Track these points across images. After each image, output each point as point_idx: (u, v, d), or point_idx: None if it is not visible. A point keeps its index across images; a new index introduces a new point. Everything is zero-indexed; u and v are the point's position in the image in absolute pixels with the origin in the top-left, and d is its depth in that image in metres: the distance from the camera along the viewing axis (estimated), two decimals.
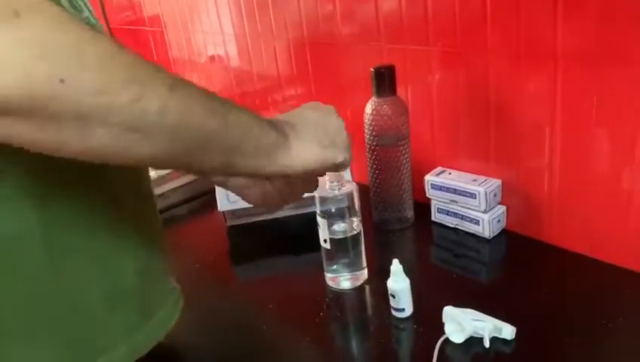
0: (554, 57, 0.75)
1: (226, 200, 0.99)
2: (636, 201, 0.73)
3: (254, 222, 1.03)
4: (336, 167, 0.56)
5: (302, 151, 0.52)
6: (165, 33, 1.62)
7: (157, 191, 1.13)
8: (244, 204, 0.96)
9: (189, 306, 0.82)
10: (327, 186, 0.77)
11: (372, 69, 0.87)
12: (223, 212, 1.01)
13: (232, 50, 1.39)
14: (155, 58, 1.70)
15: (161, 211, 1.12)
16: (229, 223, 1.03)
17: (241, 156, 0.47)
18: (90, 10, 0.55)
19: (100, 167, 0.50)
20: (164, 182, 1.14)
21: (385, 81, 0.87)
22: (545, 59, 0.76)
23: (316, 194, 0.77)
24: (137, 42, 1.74)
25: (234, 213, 1.02)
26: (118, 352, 0.54)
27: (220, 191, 1.00)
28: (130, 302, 0.56)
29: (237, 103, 0.48)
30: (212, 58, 1.48)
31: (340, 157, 0.55)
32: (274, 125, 0.51)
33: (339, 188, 0.76)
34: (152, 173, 1.14)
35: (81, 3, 0.54)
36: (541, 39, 0.75)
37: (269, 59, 1.26)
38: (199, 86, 0.45)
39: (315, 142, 0.53)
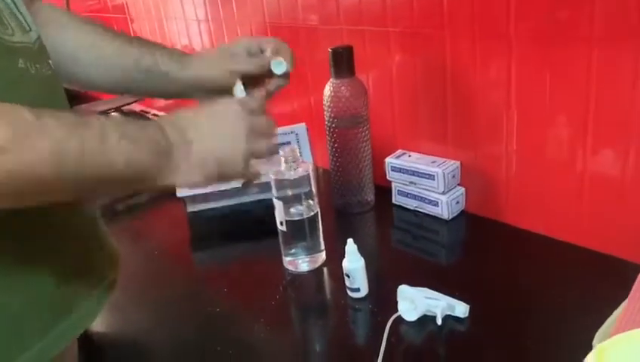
0: (507, 37, 0.75)
1: None
2: (588, 182, 0.74)
3: (215, 208, 1.01)
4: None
5: (184, 177, 0.52)
6: (129, 21, 1.60)
7: None
8: (203, 190, 0.96)
9: (145, 292, 0.81)
10: (282, 168, 0.76)
11: (330, 50, 0.86)
12: (183, 198, 1.00)
13: (195, 35, 1.37)
14: None
15: (122, 199, 1.11)
16: (189, 209, 1.01)
17: (103, 188, 0.48)
18: (23, 22, 0.51)
19: None
20: None
21: (343, 62, 0.86)
22: (499, 39, 0.76)
23: (271, 176, 0.76)
24: None
25: (193, 198, 1.00)
26: (31, 354, 0.51)
27: None
28: (46, 306, 0.52)
29: (129, 120, 0.48)
30: (176, 44, 1.45)
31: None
32: (161, 144, 0.50)
33: (294, 169, 0.75)
34: None
35: (7, 18, 0.49)
36: (495, 19, 0.75)
37: None
38: (69, 120, 0.43)
39: (202, 173, 0.53)
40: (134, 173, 0.48)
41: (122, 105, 1.54)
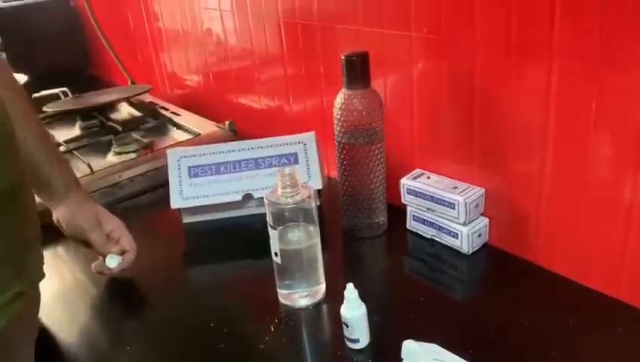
0: (549, 52, 0.64)
1: (180, 196, 0.89)
2: (638, 219, 0.63)
3: (213, 221, 0.93)
4: None
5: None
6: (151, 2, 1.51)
7: (112, 180, 1.04)
8: (199, 202, 0.87)
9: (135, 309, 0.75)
10: (278, 192, 0.66)
11: (342, 57, 0.76)
12: (178, 209, 0.92)
13: (217, 25, 1.28)
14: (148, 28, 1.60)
15: (118, 202, 1.04)
16: (185, 220, 0.93)
17: None
18: None
19: None
20: (120, 171, 1.04)
21: (356, 70, 0.76)
22: (539, 53, 0.65)
23: (266, 201, 0.67)
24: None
25: (191, 210, 0.92)
26: None
27: (173, 186, 0.90)
28: None
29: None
30: (206, 32, 1.36)
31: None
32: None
33: (292, 196, 0.66)
34: (113, 158, 1.06)
35: None
36: (535, 31, 0.64)
37: (243, 36, 1.15)
38: None
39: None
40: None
41: (132, 96, 1.46)
